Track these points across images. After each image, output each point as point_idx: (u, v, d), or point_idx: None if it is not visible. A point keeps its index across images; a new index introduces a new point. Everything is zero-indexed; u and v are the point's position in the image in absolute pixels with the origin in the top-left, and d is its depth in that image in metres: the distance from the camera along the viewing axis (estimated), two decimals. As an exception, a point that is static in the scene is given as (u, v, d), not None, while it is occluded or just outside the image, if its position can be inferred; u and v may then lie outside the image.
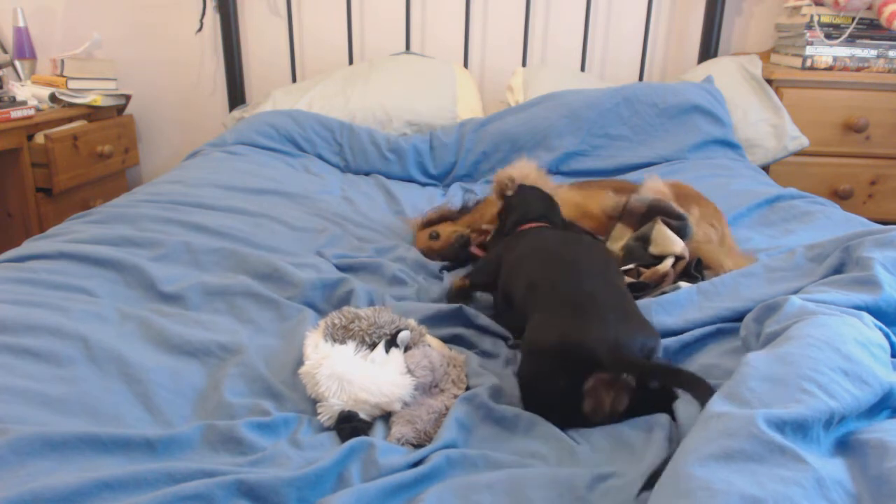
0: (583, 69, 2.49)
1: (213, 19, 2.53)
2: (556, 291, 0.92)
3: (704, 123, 2.01)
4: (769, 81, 2.16)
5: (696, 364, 0.93)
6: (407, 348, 0.92)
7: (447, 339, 1.03)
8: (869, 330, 0.81)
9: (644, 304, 1.05)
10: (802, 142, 2.05)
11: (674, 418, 0.79)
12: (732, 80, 2.18)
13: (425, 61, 2.37)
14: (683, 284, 1.13)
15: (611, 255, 1.14)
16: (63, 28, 2.57)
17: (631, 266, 1.17)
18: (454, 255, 1.36)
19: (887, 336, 0.83)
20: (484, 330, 1.07)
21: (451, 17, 2.50)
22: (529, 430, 0.81)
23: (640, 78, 2.51)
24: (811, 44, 2.12)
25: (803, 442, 0.62)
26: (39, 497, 0.62)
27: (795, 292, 0.98)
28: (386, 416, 0.85)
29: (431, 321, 1.06)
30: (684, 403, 0.80)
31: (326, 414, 0.83)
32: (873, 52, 2.11)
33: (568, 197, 1.37)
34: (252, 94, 2.59)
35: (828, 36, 2.11)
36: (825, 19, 2.10)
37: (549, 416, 0.82)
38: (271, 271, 1.17)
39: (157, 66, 2.62)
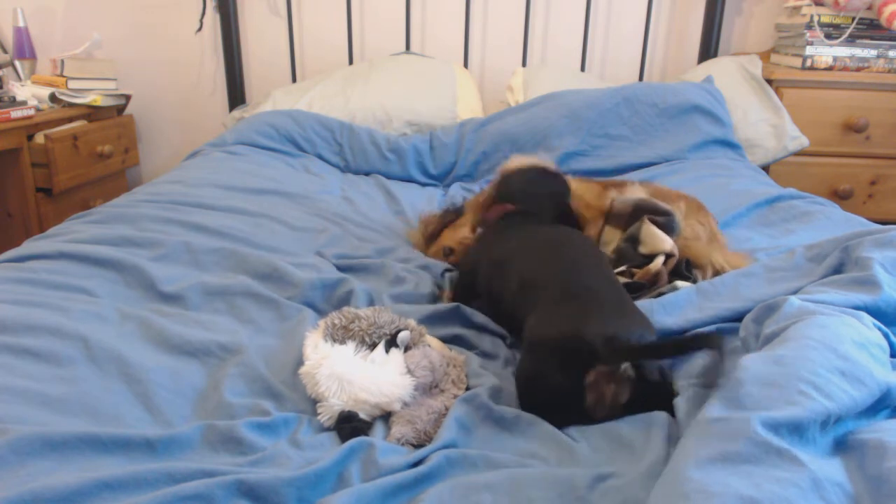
0: (583, 69, 2.49)
1: (213, 19, 2.53)
2: (554, 288, 0.92)
3: (704, 123, 2.01)
4: (769, 81, 2.16)
5: (700, 364, 0.92)
6: (407, 348, 0.92)
7: (446, 340, 1.03)
8: (868, 330, 0.81)
9: (644, 304, 1.05)
10: (802, 142, 2.05)
11: (673, 416, 0.79)
12: (732, 80, 2.18)
13: (425, 61, 2.37)
14: (681, 284, 1.13)
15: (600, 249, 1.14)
16: (63, 28, 2.57)
17: (623, 268, 1.17)
18: None
19: (886, 336, 0.83)
20: (482, 329, 1.07)
21: (451, 17, 2.50)
22: (529, 430, 0.81)
23: (640, 78, 2.51)
24: (811, 44, 2.12)
25: (800, 443, 0.62)
26: (39, 497, 0.62)
27: (795, 292, 0.98)
28: (386, 417, 0.85)
29: (430, 321, 1.06)
30: (684, 401, 0.80)
31: (326, 414, 0.83)
32: (873, 52, 2.11)
33: (573, 187, 1.38)
34: (252, 94, 2.59)
35: (828, 36, 2.11)
36: (825, 19, 2.10)
37: (548, 415, 0.82)
38: (271, 271, 1.17)
39: (157, 66, 2.62)
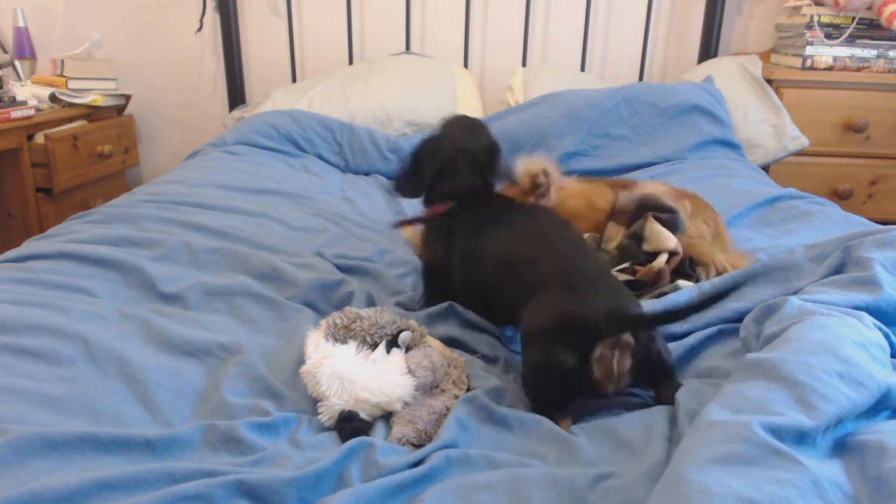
0: (583, 69, 2.49)
1: (213, 19, 2.53)
2: (542, 274, 0.92)
3: (704, 123, 2.01)
4: (769, 81, 2.16)
5: (703, 365, 0.93)
6: (408, 349, 0.92)
7: (446, 341, 1.03)
8: (868, 330, 0.81)
9: (645, 305, 1.05)
10: (802, 142, 2.05)
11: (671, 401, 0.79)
12: (732, 80, 2.18)
13: (425, 61, 2.37)
14: (683, 283, 1.13)
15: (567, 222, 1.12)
16: (63, 28, 2.57)
17: (626, 265, 1.17)
18: None
19: (887, 336, 0.83)
20: (481, 330, 1.07)
21: (451, 17, 2.50)
22: (530, 430, 0.81)
23: (640, 78, 2.51)
24: (811, 44, 2.12)
25: (799, 445, 0.62)
26: (39, 497, 0.62)
27: (796, 292, 0.98)
28: (386, 417, 0.85)
29: (429, 321, 1.06)
30: (685, 399, 0.80)
31: (327, 414, 0.83)
32: (873, 52, 2.11)
33: (575, 188, 1.37)
34: (252, 94, 2.59)
35: (828, 36, 2.11)
36: (825, 19, 2.10)
37: (559, 399, 0.83)
38: (271, 271, 1.17)
39: (157, 66, 2.62)
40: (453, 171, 1.16)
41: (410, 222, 1.27)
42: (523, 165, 1.37)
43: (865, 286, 0.91)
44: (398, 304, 1.14)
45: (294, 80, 2.54)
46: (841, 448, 0.66)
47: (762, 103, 2.12)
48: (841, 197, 2.15)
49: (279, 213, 1.46)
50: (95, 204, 2.20)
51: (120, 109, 2.50)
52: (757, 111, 2.10)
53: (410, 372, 0.86)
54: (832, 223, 1.42)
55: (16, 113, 1.96)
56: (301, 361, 0.90)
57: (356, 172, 2.02)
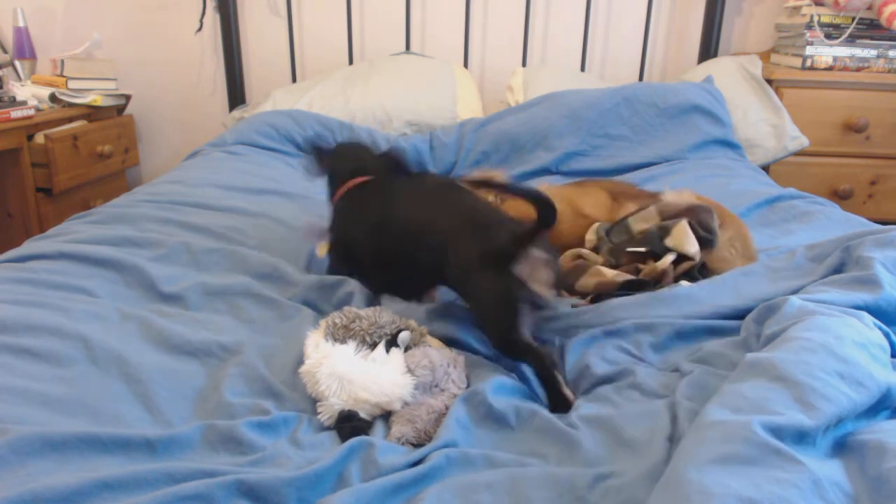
0: (583, 69, 2.49)
1: (213, 19, 2.53)
2: (450, 225, 1.00)
3: (704, 123, 2.01)
4: (769, 81, 2.16)
5: (703, 353, 0.93)
6: (407, 348, 0.92)
7: (444, 341, 1.03)
8: (868, 330, 0.81)
9: (642, 298, 1.05)
10: (802, 142, 2.05)
11: (675, 417, 0.79)
12: (732, 80, 2.18)
13: (425, 61, 2.37)
14: (684, 283, 1.13)
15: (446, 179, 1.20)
16: (63, 28, 2.57)
17: (642, 249, 1.16)
18: None
19: (887, 336, 0.84)
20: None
21: (451, 17, 2.50)
22: (529, 428, 0.81)
23: (640, 78, 2.51)
24: (811, 44, 2.12)
25: (799, 445, 0.62)
26: (39, 497, 0.62)
27: (796, 291, 0.98)
28: (386, 416, 0.85)
29: (426, 320, 1.05)
30: (686, 394, 0.80)
31: (326, 413, 0.83)
32: (873, 52, 2.11)
33: (558, 192, 1.33)
34: (252, 94, 2.59)
35: (828, 36, 2.11)
36: (825, 19, 2.10)
37: (515, 321, 0.91)
38: (271, 271, 1.17)
39: (157, 66, 2.62)
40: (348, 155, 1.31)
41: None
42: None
43: (866, 286, 0.91)
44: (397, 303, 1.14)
45: (294, 80, 2.54)
46: (841, 448, 0.66)
47: (762, 103, 2.12)
48: (841, 197, 2.15)
49: (279, 214, 1.46)
50: (95, 204, 2.20)
51: (120, 109, 2.50)
52: (757, 111, 2.10)
53: (410, 371, 0.86)
54: (832, 223, 1.42)
55: (16, 113, 1.96)
56: (301, 361, 0.90)
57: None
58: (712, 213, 1.21)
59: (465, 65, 2.50)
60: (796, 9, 2.20)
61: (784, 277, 1.05)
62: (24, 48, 2.41)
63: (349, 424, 0.80)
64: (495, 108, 2.30)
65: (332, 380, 0.83)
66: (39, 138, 2.04)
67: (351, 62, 2.51)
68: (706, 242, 1.17)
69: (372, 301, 1.12)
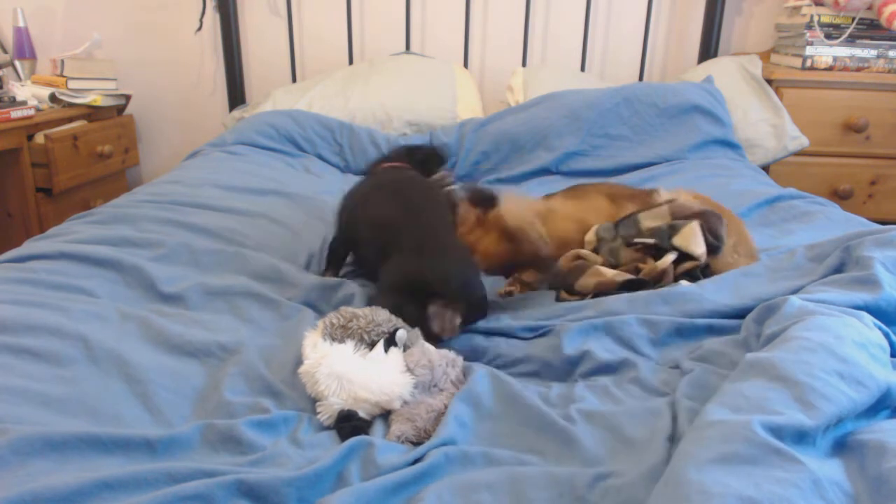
0: (583, 69, 2.49)
1: (213, 19, 2.53)
2: (402, 237, 1.08)
3: (704, 123, 2.01)
4: (769, 81, 2.16)
5: (703, 350, 0.93)
6: (405, 347, 0.92)
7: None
8: (868, 330, 0.81)
9: (642, 295, 1.05)
10: (802, 142, 2.05)
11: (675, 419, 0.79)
12: (732, 80, 2.18)
13: (425, 61, 2.37)
14: (684, 283, 1.13)
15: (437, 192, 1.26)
16: (63, 28, 2.57)
17: (651, 240, 1.16)
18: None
19: (887, 335, 0.84)
20: (477, 330, 1.07)
21: (451, 17, 2.50)
22: (528, 426, 0.81)
23: (640, 78, 2.51)
24: (811, 44, 2.12)
25: (799, 444, 0.62)
26: (39, 497, 0.62)
27: (796, 291, 0.98)
28: (385, 415, 0.85)
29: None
30: (686, 391, 0.80)
31: (326, 413, 0.83)
32: (873, 52, 2.11)
33: (564, 211, 1.33)
34: (252, 94, 2.59)
35: (828, 36, 2.11)
36: (825, 19, 2.10)
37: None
38: (271, 272, 1.17)
39: (157, 66, 2.62)
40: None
41: None
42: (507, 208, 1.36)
43: (866, 285, 0.91)
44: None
45: (294, 80, 2.54)
46: (841, 447, 0.66)
47: (762, 103, 2.12)
48: (841, 197, 2.15)
49: (279, 214, 1.46)
50: (95, 204, 2.20)
51: (120, 109, 2.50)
52: (757, 111, 2.10)
53: (409, 370, 0.87)
54: (832, 223, 1.42)
55: (16, 113, 1.96)
56: (301, 361, 0.90)
57: (356, 173, 2.02)
58: (723, 221, 1.21)
59: (465, 65, 2.50)
60: (796, 9, 2.20)
61: (784, 277, 1.05)
62: (24, 48, 2.41)
63: (349, 424, 0.80)
64: (495, 108, 2.30)
65: (331, 380, 0.83)
66: (39, 138, 2.04)
67: (351, 62, 2.51)
68: (713, 249, 1.17)
69: (372, 302, 1.12)
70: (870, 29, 2.10)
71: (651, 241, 1.17)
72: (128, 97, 2.49)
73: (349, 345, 0.89)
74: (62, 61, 2.25)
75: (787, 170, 2.15)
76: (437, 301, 0.99)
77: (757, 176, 1.82)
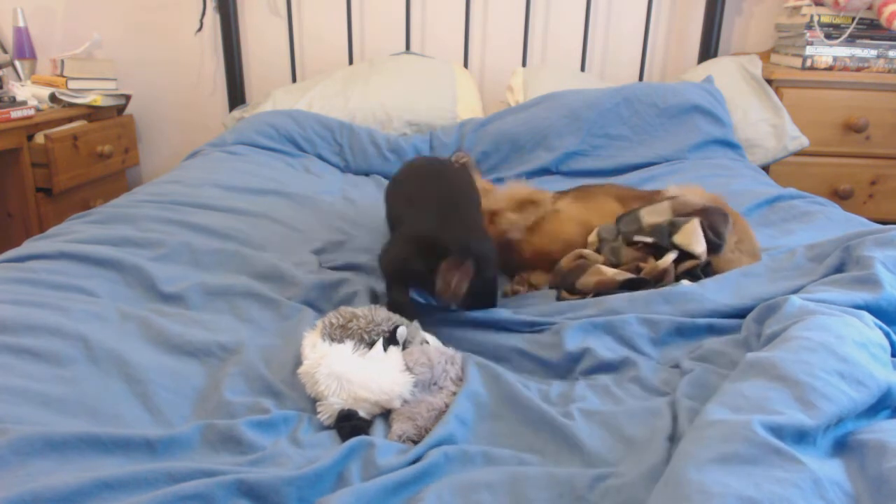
0: (583, 69, 2.49)
1: (213, 19, 2.53)
2: (424, 202, 1.13)
3: (704, 123, 2.01)
4: (769, 81, 2.16)
5: (703, 349, 0.93)
6: (405, 346, 0.92)
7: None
8: (869, 329, 0.81)
9: (642, 294, 1.05)
10: (802, 142, 2.05)
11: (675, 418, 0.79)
12: (732, 80, 2.18)
13: (425, 61, 2.37)
14: (685, 283, 1.13)
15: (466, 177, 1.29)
16: (63, 28, 2.57)
17: (650, 239, 1.16)
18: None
19: (888, 335, 0.83)
20: (476, 326, 1.07)
21: (451, 17, 2.50)
22: (528, 425, 0.81)
23: (640, 78, 2.51)
24: (811, 44, 2.12)
25: (800, 444, 0.62)
26: (39, 497, 0.62)
27: (796, 290, 0.98)
28: (385, 415, 0.85)
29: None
30: (686, 391, 0.80)
31: (326, 413, 0.83)
32: (873, 52, 2.11)
33: (571, 213, 1.33)
34: (252, 94, 2.59)
35: (828, 36, 2.11)
36: (825, 19, 2.10)
37: (402, 289, 1.02)
38: (272, 271, 1.17)
39: (157, 66, 2.62)
40: None
41: None
42: (509, 191, 1.37)
43: (866, 285, 0.91)
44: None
45: (294, 80, 2.54)
46: (841, 447, 0.66)
47: (762, 103, 2.12)
48: (841, 197, 2.15)
49: (279, 214, 1.46)
50: (95, 204, 2.21)
51: (120, 109, 2.50)
52: (757, 111, 2.10)
53: (408, 369, 0.87)
54: (832, 223, 1.42)
55: (16, 113, 1.96)
56: (301, 361, 0.90)
57: (356, 172, 2.02)
58: (727, 217, 1.20)
59: (465, 65, 2.50)
60: (796, 9, 2.20)
61: (784, 277, 1.05)
62: (24, 48, 2.41)
63: (349, 423, 0.80)
64: (495, 108, 2.30)
65: (330, 380, 0.83)
66: (39, 138, 2.04)
67: (351, 62, 2.51)
68: (713, 247, 1.17)
69: (374, 301, 1.12)
70: (870, 29, 2.10)
71: (650, 239, 1.17)
72: (128, 97, 2.49)
73: (348, 345, 0.89)
74: (62, 61, 2.25)
75: (787, 170, 2.15)
76: (449, 259, 0.99)
77: (757, 176, 1.82)
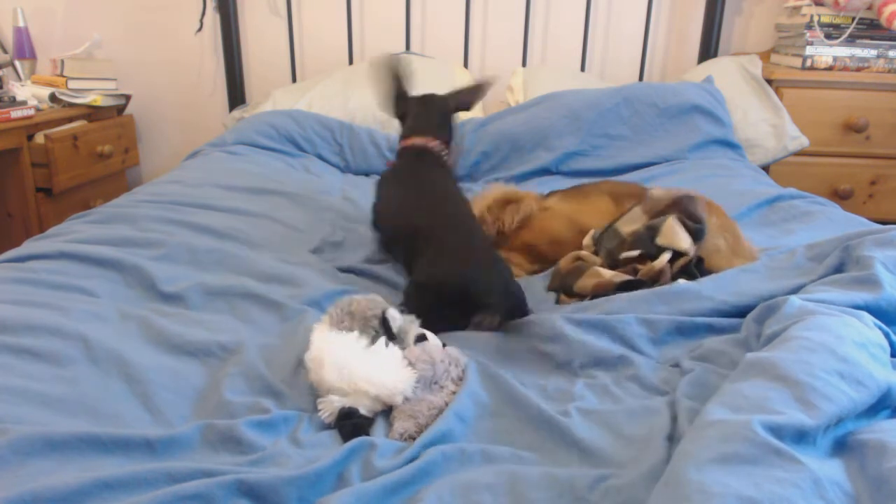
0: (583, 69, 2.49)
1: (213, 19, 2.53)
2: (437, 234, 1.11)
3: (704, 123, 2.01)
4: (769, 81, 2.16)
5: (703, 349, 0.93)
6: (399, 335, 0.92)
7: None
8: (868, 330, 0.81)
9: (641, 294, 1.05)
10: (802, 142, 2.05)
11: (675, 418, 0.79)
12: (732, 80, 2.18)
13: (425, 61, 2.37)
14: (682, 282, 1.13)
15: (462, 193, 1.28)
16: (63, 28, 2.57)
17: (635, 253, 1.16)
18: None
19: (887, 335, 0.83)
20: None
21: (451, 17, 2.50)
22: (526, 423, 0.81)
23: (640, 78, 2.51)
24: (811, 44, 2.12)
25: (800, 444, 0.62)
26: (39, 497, 0.62)
27: (795, 290, 0.98)
28: (386, 413, 0.85)
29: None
30: (686, 390, 0.80)
31: (327, 411, 0.83)
32: (873, 52, 2.11)
33: (560, 209, 1.33)
34: (252, 94, 2.59)
35: (828, 36, 2.11)
36: (825, 19, 2.10)
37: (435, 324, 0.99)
38: (272, 272, 1.17)
39: (157, 66, 2.62)
40: (416, 113, 1.42)
41: None
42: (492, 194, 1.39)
43: (866, 285, 0.91)
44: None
45: (294, 80, 2.54)
46: (841, 447, 0.66)
47: (762, 103, 2.12)
48: (841, 197, 2.15)
49: (279, 214, 1.46)
50: (95, 204, 2.20)
51: (120, 109, 2.50)
52: (757, 111, 2.10)
53: (410, 365, 0.87)
54: (832, 223, 1.42)
55: (16, 113, 1.96)
56: (301, 361, 0.90)
57: (356, 172, 2.02)
58: (695, 199, 1.20)
59: (465, 65, 2.50)
60: (796, 9, 2.20)
61: (784, 277, 1.05)
62: (24, 48, 2.41)
63: (350, 422, 0.80)
64: (495, 108, 2.30)
65: (334, 367, 0.83)
66: (39, 138, 2.04)
67: (351, 62, 2.51)
68: (698, 233, 1.17)
69: (406, 299, 1.12)
70: (870, 29, 2.10)
71: (634, 253, 1.17)
72: (128, 97, 2.49)
73: (354, 335, 0.89)
74: (62, 61, 2.25)
75: (787, 170, 2.15)
76: (484, 312, 1.02)
77: (757, 176, 1.82)
